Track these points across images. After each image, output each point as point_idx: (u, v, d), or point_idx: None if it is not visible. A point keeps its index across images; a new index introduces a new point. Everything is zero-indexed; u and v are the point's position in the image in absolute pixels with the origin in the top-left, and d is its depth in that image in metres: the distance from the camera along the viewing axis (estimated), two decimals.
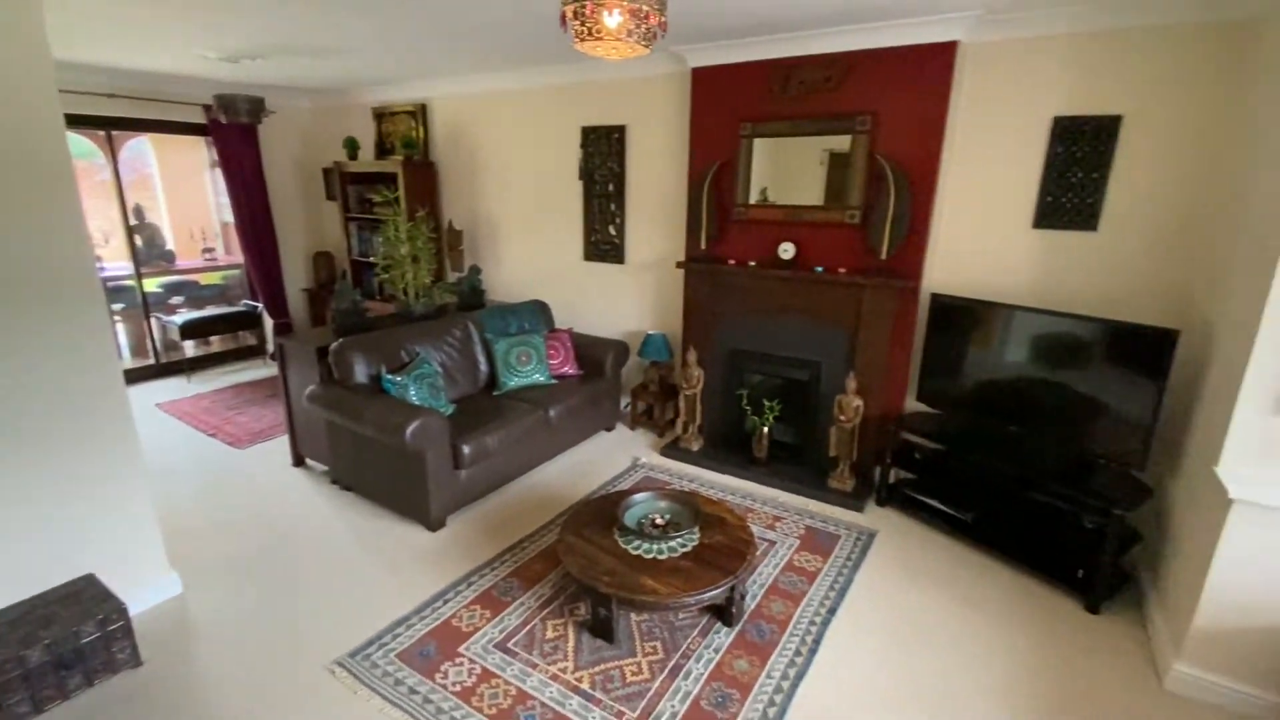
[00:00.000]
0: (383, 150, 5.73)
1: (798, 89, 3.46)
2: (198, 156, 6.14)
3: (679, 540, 2.52)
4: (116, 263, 5.58)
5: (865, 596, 2.74)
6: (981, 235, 3.29)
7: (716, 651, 2.40)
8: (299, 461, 3.92)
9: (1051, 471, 2.88)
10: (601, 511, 2.72)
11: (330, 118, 6.05)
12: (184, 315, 5.72)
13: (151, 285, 5.84)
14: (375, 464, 3.31)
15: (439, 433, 3.09)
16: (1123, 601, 2.70)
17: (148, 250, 5.94)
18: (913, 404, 3.55)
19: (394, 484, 3.26)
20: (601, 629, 2.43)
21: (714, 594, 2.32)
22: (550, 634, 2.48)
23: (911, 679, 2.30)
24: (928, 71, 3.12)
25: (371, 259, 5.37)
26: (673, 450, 4.08)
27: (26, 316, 2.16)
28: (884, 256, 3.32)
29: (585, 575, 2.35)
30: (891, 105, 3.24)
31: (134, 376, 5.51)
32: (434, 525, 3.20)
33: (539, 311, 4.45)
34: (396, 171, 5.23)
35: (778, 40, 3.39)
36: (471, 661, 2.34)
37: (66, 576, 2.35)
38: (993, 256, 3.27)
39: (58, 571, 2.34)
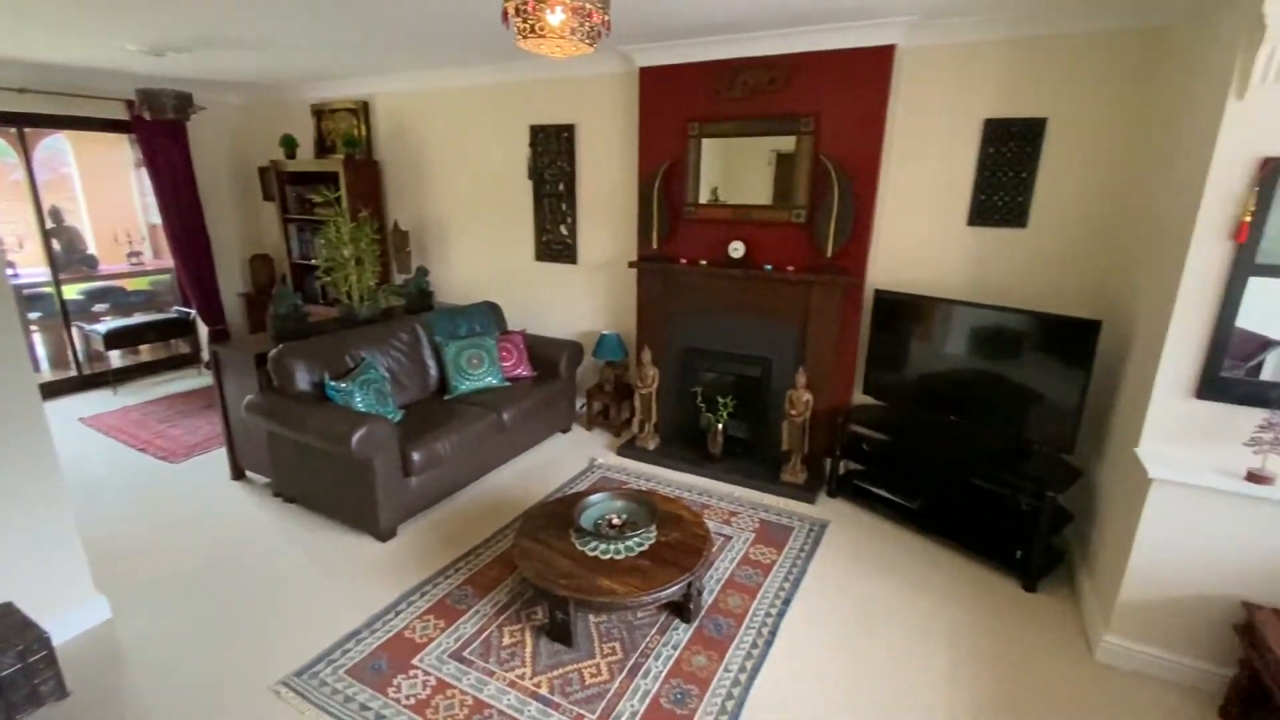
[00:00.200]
0: (323, 149, 5.53)
1: (743, 89, 3.51)
2: (121, 155, 5.79)
3: (636, 540, 2.53)
4: (32, 268, 5.21)
5: (818, 587, 2.81)
6: (921, 233, 3.41)
7: (675, 649, 2.41)
8: (239, 475, 3.76)
9: (989, 458, 3.01)
10: (557, 514, 2.70)
11: (266, 114, 5.80)
12: (108, 323, 5.38)
13: (72, 292, 5.48)
14: (321, 474, 3.19)
15: (387, 439, 3.01)
16: (1057, 579, 2.85)
17: (67, 255, 5.55)
18: (860, 397, 3.66)
19: (341, 494, 3.15)
20: (559, 632, 2.41)
21: (671, 592, 2.33)
22: (507, 640, 2.45)
23: (863, 664, 2.37)
24: (867, 74, 3.21)
25: (313, 261, 5.15)
26: (629, 449, 4.09)
27: None
28: (829, 254, 3.40)
29: (542, 579, 2.33)
30: (834, 106, 3.32)
31: (54, 389, 5.17)
32: (384, 535, 3.11)
33: (490, 313, 4.38)
34: (338, 171, 5.07)
35: (722, 41, 3.43)
36: (426, 673, 2.28)
37: None
38: (931, 253, 3.40)
39: None
